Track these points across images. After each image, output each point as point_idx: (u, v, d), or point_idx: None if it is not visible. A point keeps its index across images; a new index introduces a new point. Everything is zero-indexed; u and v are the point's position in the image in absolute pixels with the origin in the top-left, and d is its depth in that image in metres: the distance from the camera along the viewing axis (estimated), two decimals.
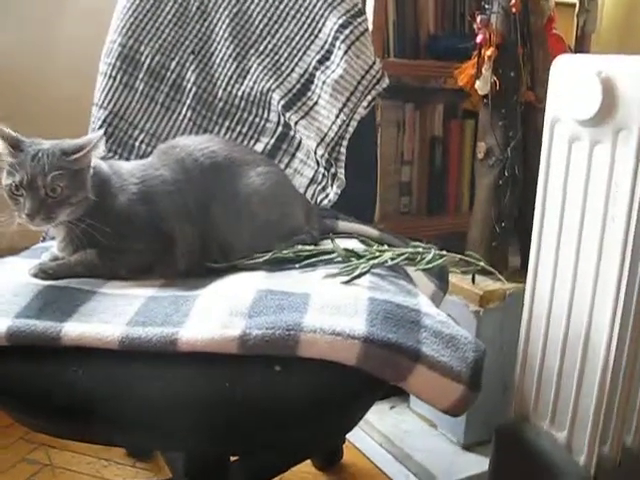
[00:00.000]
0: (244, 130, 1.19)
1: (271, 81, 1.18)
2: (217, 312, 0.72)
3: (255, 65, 1.19)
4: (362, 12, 1.18)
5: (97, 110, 1.18)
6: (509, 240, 1.39)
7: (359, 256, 0.88)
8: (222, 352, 0.67)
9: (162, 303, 0.76)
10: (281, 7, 1.20)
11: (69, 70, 1.51)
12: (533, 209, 1.09)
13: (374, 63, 1.17)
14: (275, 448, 0.81)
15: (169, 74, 1.20)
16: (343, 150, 1.15)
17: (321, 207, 1.12)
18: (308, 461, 1.35)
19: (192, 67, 1.21)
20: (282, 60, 1.19)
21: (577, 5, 1.68)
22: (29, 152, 0.80)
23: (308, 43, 1.18)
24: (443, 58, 1.55)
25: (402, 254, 0.89)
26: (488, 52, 1.29)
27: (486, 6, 1.33)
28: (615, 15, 1.94)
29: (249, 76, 1.19)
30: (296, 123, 1.15)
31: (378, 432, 1.45)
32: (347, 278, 0.81)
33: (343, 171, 1.14)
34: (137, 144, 1.18)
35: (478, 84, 1.32)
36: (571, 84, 0.99)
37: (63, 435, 0.80)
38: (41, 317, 0.72)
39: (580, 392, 1.03)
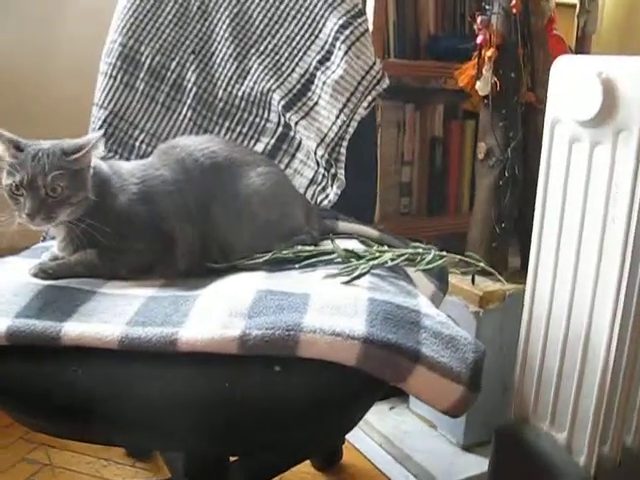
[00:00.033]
0: (244, 130, 1.19)
1: (271, 81, 1.18)
2: (217, 312, 0.72)
3: (255, 65, 1.19)
4: (362, 12, 1.18)
5: (97, 110, 1.19)
6: (509, 241, 1.39)
7: (359, 257, 0.88)
8: (222, 352, 0.67)
9: (162, 303, 0.76)
10: (281, 7, 1.20)
11: (69, 70, 1.51)
12: (533, 210, 1.09)
13: (374, 63, 1.17)
14: (275, 448, 0.81)
15: (169, 74, 1.20)
16: (343, 150, 1.15)
17: (321, 207, 1.12)
18: (308, 461, 1.35)
19: (192, 67, 1.21)
20: (282, 60, 1.19)
21: (577, 6, 1.68)
22: (29, 152, 0.81)
23: (308, 43, 1.18)
24: (443, 59, 1.55)
25: (402, 255, 0.89)
26: (488, 53, 1.29)
27: (486, 7, 1.33)
28: (615, 16, 1.94)
29: (249, 76, 1.20)
30: (296, 123, 1.15)
31: (378, 433, 1.44)
32: (347, 278, 0.81)
33: (343, 171, 1.14)
34: (137, 144, 1.18)
35: (478, 85, 1.32)
36: (571, 85, 0.99)
37: (63, 435, 0.80)
38: (41, 317, 0.72)
39: (580, 393, 1.03)
